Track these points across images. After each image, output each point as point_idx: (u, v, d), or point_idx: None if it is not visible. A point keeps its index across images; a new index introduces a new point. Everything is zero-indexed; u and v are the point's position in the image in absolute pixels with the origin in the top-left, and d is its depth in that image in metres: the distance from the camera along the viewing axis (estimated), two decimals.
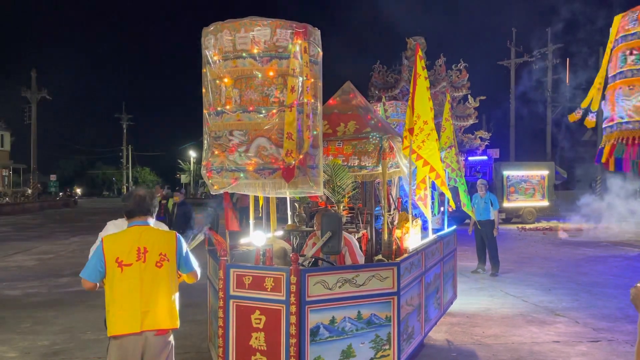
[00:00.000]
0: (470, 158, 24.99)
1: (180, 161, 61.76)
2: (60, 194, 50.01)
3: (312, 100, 4.03)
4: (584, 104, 4.21)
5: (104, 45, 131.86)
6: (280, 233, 5.89)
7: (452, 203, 6.82)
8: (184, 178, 58.97)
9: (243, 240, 5.54)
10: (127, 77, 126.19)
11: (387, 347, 4.20)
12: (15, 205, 34.37)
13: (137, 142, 68.43)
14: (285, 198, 6.00)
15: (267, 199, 5.62)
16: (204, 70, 4.13)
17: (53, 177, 50.75)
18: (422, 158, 5.62)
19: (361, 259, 5.03)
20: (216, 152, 3.98)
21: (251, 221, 5.42)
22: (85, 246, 15.70)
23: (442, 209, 7.77)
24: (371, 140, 5.27)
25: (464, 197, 8.04)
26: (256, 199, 5.60)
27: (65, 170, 67.22)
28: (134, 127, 66.17)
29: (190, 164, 60.73)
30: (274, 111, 3.86)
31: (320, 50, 4.20)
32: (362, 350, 4.09)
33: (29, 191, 40.17)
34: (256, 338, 3.96)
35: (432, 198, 6.69)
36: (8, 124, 47.02)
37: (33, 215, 32.06)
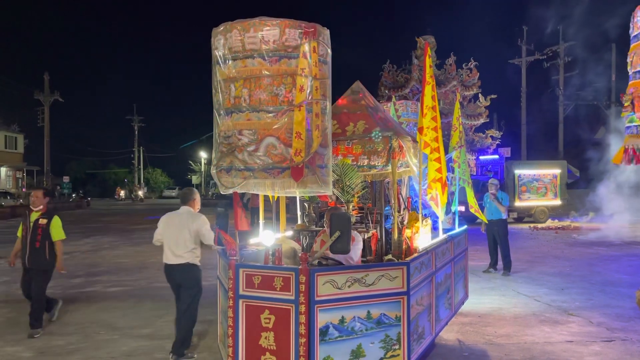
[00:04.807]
0: (481, 157, 24.88)
1: (191, 162, 62.05)
2: (73, 195, 50.37)
3: (322, 100, 4.02)
4: None
5: (115, 47, 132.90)
6: (289, 233, 5.89)
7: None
8: (194, 179, 59.28)
9: (253, 240, 5.55)
10: (139, 78, 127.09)
11: (397, 347, 4.18)
12: (29, 207, 34.60)
13: (148, 143, 68.71)
14: (296, 198, 6.01)
15: (277, 199, 5.63)
16: (213, 70, 4.14)
17: (66, 179, 51.15)
18: (439, 154, 5.59)
19: (355, 258, 4.94)
20: (225, 152, 3.99)
21: (261, 221, 5.43)
22: (99, 247, 15.90)
23: (454, 208, 7.70)
24: (374, 138, 5.26)
25: (471, 200, 7.95)
26: (267, 198, 5.61)
27: (77, 171, 67.77)
28: (145, 129, 66.60)
29: (201, 164, 60.98)
30: (283, 110, 3.86)
31: (329, 49, 4.19)
32: (372, 350, 4.08)
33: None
34: (266, 338, 3.96)
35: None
36: (21, 126, 47.56)
37: None
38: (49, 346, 6.23)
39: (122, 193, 59.41)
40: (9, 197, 35.29)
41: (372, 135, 5.10)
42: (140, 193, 58.86)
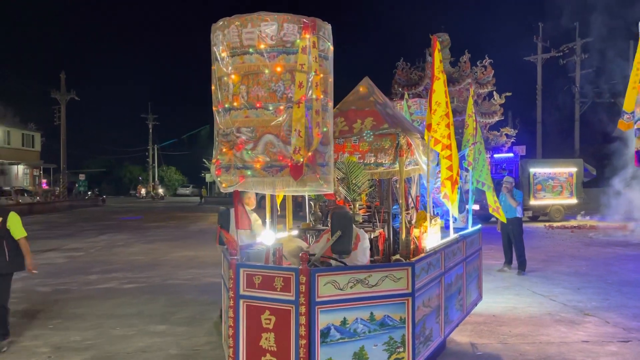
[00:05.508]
0: (496, 155, 24.56)
1: (205, 160, 62.23)
2: (89, 192, 50.88)
3: (322, 97, 3.90)
4: (629, 107, 3.91)
5: (130, 46, 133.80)
6: (295, 232, 5.81)
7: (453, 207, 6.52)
8: (208, 177, 59.42)
9: (258, 239, 5.48)
10: (153, 77, 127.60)
11: (401, 349, 4.07)
12: (46, 204, 35.20)
13: (162, 141, 68.89)
14: (305, 197, 5.92)
15: (284, 198, 5.55)
16: (213, 67, 4.05)
17: (82, 177, 51.70)
18: (450, 152, 5.45)
19: (363, 259, 4.78)
20: (224, 150, 3.90)
21: (267, 220, 5.35)
22: (113, 244, 16.01)
23: (466, 207, 7.53)
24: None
25: (491, 200, 7.80)
26: (274, 197, 5.52)
27: (92, 169, 68.38)
28: (159, 127, 66.73)
29: None
30: (282, 107, 3.76)
31: (331, 45, 4.07)
32: (375, 352, 3.96)
33: (58, 190, 41.09)
34: (266, 339, 3.88)
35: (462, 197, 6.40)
36: (38, 124, 48.21)
37: (63, 213, 32.78)
38: (66, 341, 6.28)
39: (143, 191, 59.94)
40: (26, 195, 35.77)
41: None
42: (161, 191, 59.41)
